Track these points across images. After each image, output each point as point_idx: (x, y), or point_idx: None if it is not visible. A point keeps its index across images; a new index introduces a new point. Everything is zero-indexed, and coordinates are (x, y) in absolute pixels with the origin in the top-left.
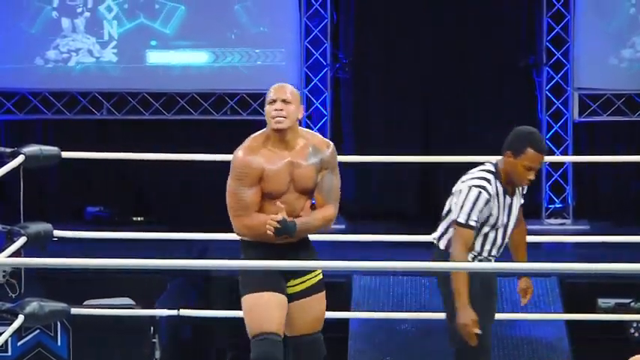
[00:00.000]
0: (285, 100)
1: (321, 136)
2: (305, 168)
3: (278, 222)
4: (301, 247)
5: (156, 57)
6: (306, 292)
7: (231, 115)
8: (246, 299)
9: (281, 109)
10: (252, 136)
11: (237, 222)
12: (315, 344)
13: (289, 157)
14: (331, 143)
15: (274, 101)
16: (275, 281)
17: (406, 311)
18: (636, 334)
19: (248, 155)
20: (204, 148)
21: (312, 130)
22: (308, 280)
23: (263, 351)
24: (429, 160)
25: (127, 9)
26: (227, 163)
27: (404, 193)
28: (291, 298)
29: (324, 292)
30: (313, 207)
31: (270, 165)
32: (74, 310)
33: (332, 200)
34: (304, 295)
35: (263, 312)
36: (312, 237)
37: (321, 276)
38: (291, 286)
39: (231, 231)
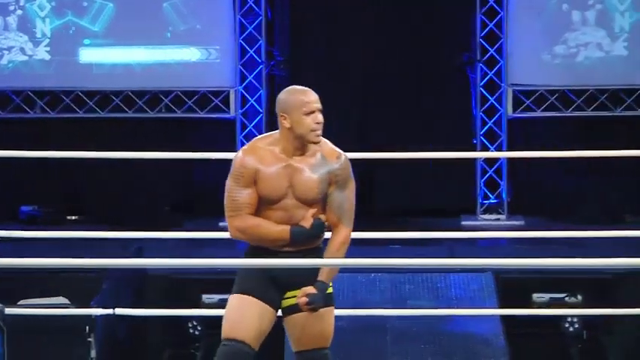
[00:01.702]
0: (321, 110)
1: (332, 145)
2: (306, 176)
3: (307, 295)
4: (308, 256)
5: (89, 55)
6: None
7: (166, 113)
8: (230, 299)
9: (321, 122)
10: (260, 136)
11: (229, 223)
12: None
13: (292, 162)
14: (343, 154)
15: (313, 112)
16: (264, 290)
17: (342, 308)
18: (571, 329)
19: (246, 155)
20: (139, 147)
21: (247, 125)
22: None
23: (224, 356)
24: (366, 157)
25: (54, 6)
26: (162, 162)
27: None
28: (290, 310)
29: (332, 307)
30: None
31: (266, 166)
32: (8, 310)
33: (345, 219)
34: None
35: (239, 317)
36: None
37: (329, 290)
38: (289, 298)
39: (166, 230)
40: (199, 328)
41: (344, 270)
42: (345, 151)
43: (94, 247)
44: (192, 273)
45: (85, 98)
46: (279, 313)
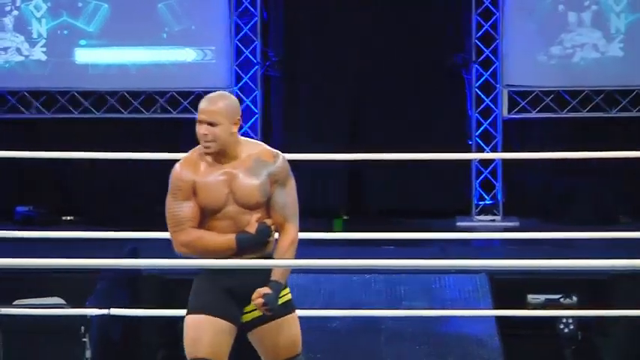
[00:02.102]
0: (211, 123)
1: (267, 146)
2: (246, 180)
3: (263, 296)
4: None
5: (85, 55)
6: (271, 315)
7: (162, 114)
8: (186, 320)
9: (206, 134)
10: (196, 147)
11: (173, 239)
12: None
13: (228, 168)
14: (280, 154)
15: (201, 122)
16: (221, 306)
17: (337, 309)
18: (565, 330)
19: (182, 168)
20: (134, 147)
21: (242, 126)
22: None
23: None
24: (358, 158)
25: (50, 7)
26: (158, 162)
27: (333, 191)
28: (252, 325)
29: (293, 313)
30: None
31: (202, 177)
32: (3, 310)
33: (290, 217)
34: (270, 318)
35: (198, 336)
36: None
37: (288, 297)
38: (249, 312)
39: (160, 230)
40: None
41: (339, 271)
42: (338, 151)
43: (89, 248)
44: (186, 274)
45: (80, 99)
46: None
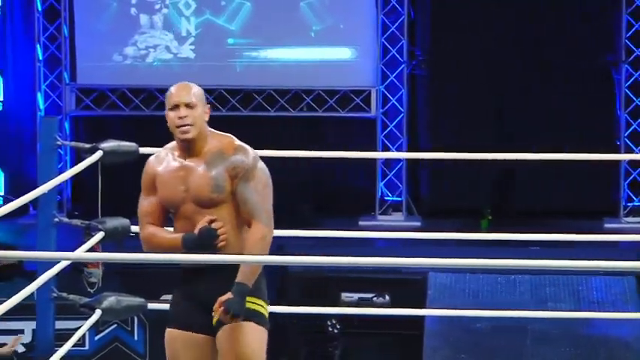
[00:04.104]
0: (189, 104)
1: (235, 140)
2: (199, 174)
3: (223, 304)
4: (227, 267)
5: (232, 53)
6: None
7: (308, 112)
8: (165, 334)
9: (185, 116)
10: (168, 144)
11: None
12: None
13: (185, 163)
14: (246, 147)
15: (177, 106)
16: (192, 319)
17: (481, 309)
18: None
19: (149, 162)
20: (279, 145)
21: (387, 125)
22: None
23: None
24: (505, 158)
25: (197, 6)
26: (302, 160)
27: (479, 190)
28: (215, 329)
29: (252, 323)
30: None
31: (163, 171)
32: (151, 305)
33: (256, 215)
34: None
35: (175, 355)
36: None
37: (256, 307)
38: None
39: (306, 228)
40: (338, 327)
41: (484, 271)
42: (484, 150)
43: None
44: (332, 271)
45: (227, 96)
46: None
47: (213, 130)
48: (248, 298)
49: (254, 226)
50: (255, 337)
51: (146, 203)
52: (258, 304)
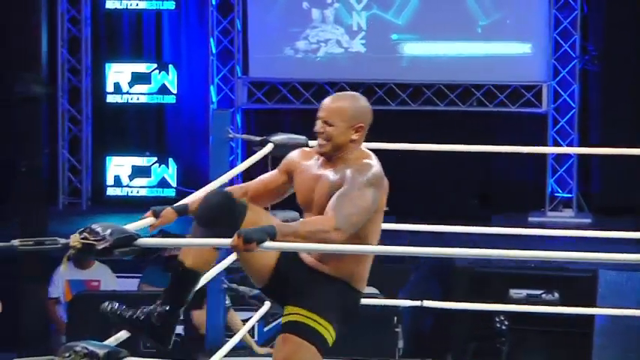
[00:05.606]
0: (326, 121)
1: (368, 158)
2: (324, 183)
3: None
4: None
5: (401, 48)
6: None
7: (478, 107)
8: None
9: (321, 132)
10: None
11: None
12: None
13: (321, 168)
14: (369, 165)
15: (317, 119)
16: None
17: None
18: None
19: (297, 152)
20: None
21: (559, 120)
22: (284, 315)
23: None
24: None
25: (366, 1)
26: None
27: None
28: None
29: (293, 335)
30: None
31: (304, 167)
32: None
33: (335, 212)
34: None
35: None
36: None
37: (296, 317)
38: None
39: (474, 224)
40: (506, 323)
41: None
42: None
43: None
44: (499, 267)
45: (397, 90)
46: None
47: (362, 148)
48: (306, 313)
49: (325, 216)
50: (295, 351)
51: (268, 175)
52: (315, 321)
